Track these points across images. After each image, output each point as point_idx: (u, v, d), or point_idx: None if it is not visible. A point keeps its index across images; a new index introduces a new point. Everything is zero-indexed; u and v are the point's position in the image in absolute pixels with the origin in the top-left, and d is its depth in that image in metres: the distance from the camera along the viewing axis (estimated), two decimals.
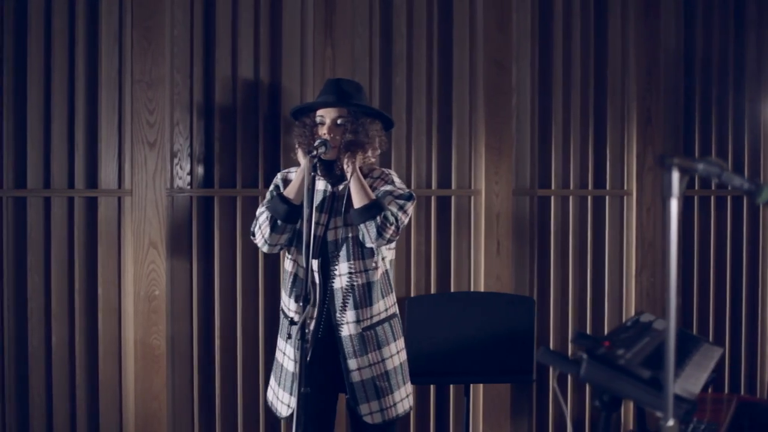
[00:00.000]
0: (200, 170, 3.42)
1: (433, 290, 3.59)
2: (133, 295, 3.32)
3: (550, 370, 3.73)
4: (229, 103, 3.42)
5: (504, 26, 3.61)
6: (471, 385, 3.43)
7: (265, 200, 2.73)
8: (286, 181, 2.74)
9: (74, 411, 3.34)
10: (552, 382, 3.58)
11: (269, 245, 2.63)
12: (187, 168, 3.40)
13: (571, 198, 3.77)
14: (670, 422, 1.67)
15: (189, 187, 3.40)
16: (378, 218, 2.51)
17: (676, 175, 1.64)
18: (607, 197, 3.81)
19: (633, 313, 3.80)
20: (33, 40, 3.28)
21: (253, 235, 2.69)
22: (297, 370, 2.35)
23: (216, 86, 3.41)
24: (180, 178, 3.39)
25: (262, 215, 2.64)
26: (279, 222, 2.57)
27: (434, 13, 3.61)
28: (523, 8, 3.69)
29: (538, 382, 3.73)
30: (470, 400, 3.42)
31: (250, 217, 3.42)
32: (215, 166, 3.41)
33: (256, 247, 3.41)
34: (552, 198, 3.74)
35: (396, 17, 3.56)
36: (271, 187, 2.75)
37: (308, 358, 2.54)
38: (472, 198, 3.63)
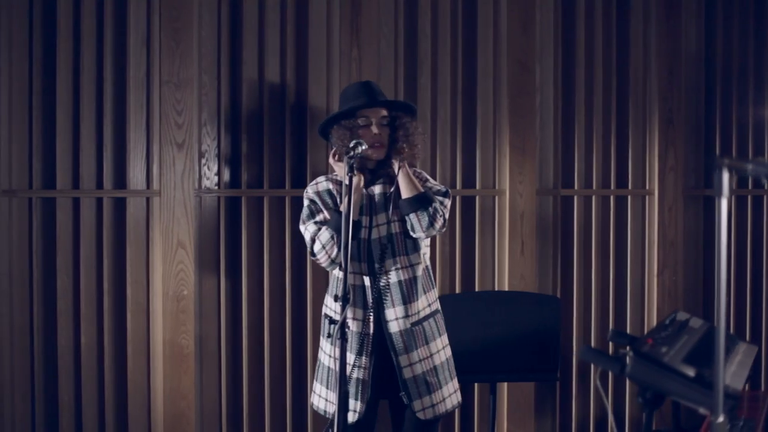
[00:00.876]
0: (227, 171, 3.44)
1: (457, 290, 3.61)
2: (162, 294, 3.34)
3: (573, 369, 3.75)
4: (256, 104, 3.44)
5: (527, 27, 3.63)
6: (497, 383, 3.44)
7: (304, 215, 2.71)
8: (320, 194, 2.73)
9: (103, 410, 3.36)
10: (593, 380, 3.59)
11: (335, 263, 2.64)
12: (215, 169, 3.42)
13: (593, 198, 3.79)
14: (721, 418, 1.69)
15: (216, 187, 3.42)
16: (429, 208, 2.57)
17: (726, 176, 1.66)
18: (629, 197, 3.84)
19: (655, 311, 3.82)
20: (62, 41, 3.30)
21: (313, 255, 2.64)
22: (339, 368, 2.37)
23: (243, 87, 3.42)
24: (207, 179, 3.41)
25: (323, 235, 2.61)
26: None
27: (458, 14, 3.63)
28: (546, 9, 3.71)
29: (562, 381, 3.75)
30: (495, 399, 3.44)
31: (277, 217, 3.44)
32: (242, 166, 3.43)
33: (282, 247, 3.45)
34: (575, 198, 3.76)
35: (420, 18, 3.58)
36: (306, 203, 2.73)
37: (371, 361, 2.58)
38: (497, 198, 3.65)
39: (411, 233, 2.61)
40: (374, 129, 2.65)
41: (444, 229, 2.68)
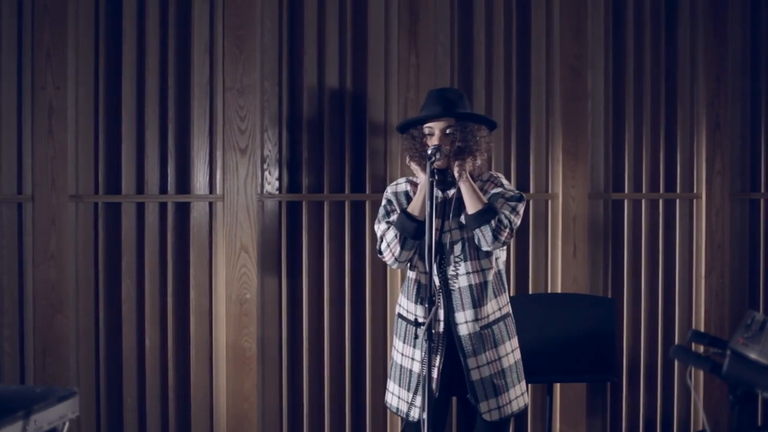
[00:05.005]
0: (288, 176, 3.49)
1: (512, 292, 3.66)
2: (225, 298, 3.39)
3: (624, 369, 3.81)
4: (316, 110, 3.50)
5: (579, 34, 3.70)
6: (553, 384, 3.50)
7: (380, 215, 2.78)
8: (397, 194, 2.80)
9: (166, 412, 3.41)
10: (687, 379, 3.63)
11: (399, 262, 2.70)
12: (276, 173, 3.47)
13: (643, 201, 3.85)
14: None
15: (278, 192, 3.47)
16: (493, 222, 2.58)
17: None
18: (677, 200, 3.89)
19: (703, 313, 3.88)
20: (126, 48, 3.36)
21: (381, 253, 2.73)
22: (426, 372, 2.41)
23: (304, 93, 3.48)
24: (269, 184, 3.46)
25: (389, 233, 2.68)
26: (408, 239, 2.64)
27: (512, 22, 3.69)
28: (597, 16, 3.77)
29: (613, 382, 3.80)
30: (552, 399, 3.49)
31: (337, 221, 3.50)
32: (303, 171, 3.49)
33: (342, 251, 3.50)
34: (625, 201, 3.82)
35: (476, 26, 3.64)
36: (384, 202, 2.80)
37: (441, 360, 2.62)
38: (549, 202, 3.70)
39: (480, 248, 2.66)
40: (433, 140, 2.69)
41: (512, 239, 2.68)
